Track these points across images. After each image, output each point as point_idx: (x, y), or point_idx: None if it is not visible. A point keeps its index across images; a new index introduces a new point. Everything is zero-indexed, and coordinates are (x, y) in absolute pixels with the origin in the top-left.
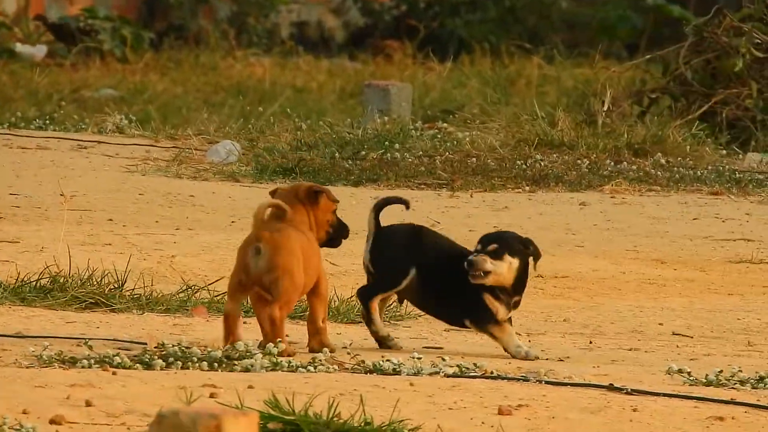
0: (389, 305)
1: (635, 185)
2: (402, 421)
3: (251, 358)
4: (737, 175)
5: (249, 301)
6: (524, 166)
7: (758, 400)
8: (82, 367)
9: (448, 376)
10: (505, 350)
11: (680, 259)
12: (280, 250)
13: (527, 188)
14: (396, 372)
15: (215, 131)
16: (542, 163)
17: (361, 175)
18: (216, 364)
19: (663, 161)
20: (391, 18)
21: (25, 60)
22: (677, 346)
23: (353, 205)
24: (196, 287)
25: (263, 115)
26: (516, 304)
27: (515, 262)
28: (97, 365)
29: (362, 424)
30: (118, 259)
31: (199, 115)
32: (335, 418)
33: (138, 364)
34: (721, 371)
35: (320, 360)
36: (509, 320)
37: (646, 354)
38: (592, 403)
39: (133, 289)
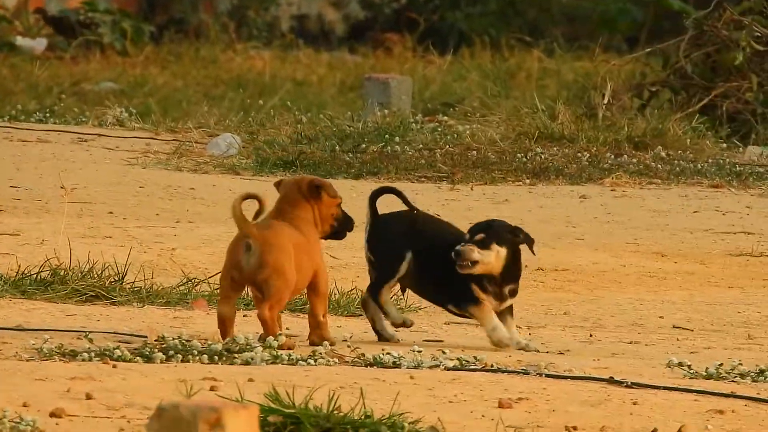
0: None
1: (635, 178)
2: (402, 414)
3: (251, 351)
4: (737, 168)
5: (248, 293)
6: (524, 159)
7: (758, 393)
8: (83, 360)
9: (448, 369)
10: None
11: (680, 252)
12: (270, 247)
13: (527, 181)
14: (396, 365)
15: (215, 124)
16: (542, 156)
17: (361, 168)
18: (216, 357)
19: (663, 154)
20: (391, 11)
21: (26, 53)
22: (677, 339)
23: (353, 198)
24: (196, 280)
25: (263, 108)
26: (513, 293)
27: (503, 251)
28: (97, 358)
29: (362, 417)
30: (119, 251)
31: (199, 108)
32: (335, 411)
33: (138, 357)
34: (721, 364)
35: (320, 353)
36: (510, 310)
37: (647, 347)
38: (593, 396)
39: (133, 282)
